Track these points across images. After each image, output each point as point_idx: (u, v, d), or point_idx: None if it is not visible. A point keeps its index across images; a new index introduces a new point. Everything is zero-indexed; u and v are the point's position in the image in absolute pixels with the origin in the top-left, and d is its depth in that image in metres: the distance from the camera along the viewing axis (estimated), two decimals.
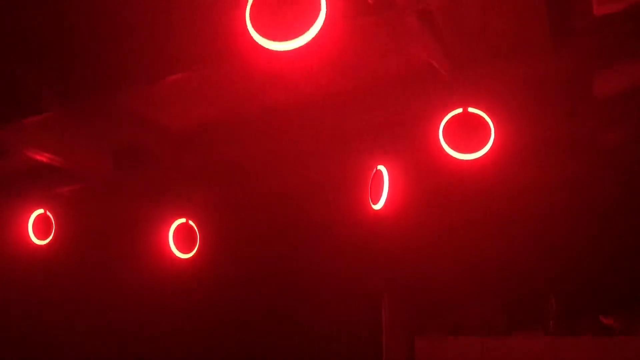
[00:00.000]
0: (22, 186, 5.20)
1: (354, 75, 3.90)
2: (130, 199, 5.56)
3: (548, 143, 4.82)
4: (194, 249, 5.49)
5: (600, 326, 5.15)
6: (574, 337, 5.18)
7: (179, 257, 5.45)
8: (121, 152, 4.83)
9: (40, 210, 5.11)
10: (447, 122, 3.56)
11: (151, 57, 3.37)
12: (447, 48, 3.52)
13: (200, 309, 6.51)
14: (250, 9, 2.33)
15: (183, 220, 5.45)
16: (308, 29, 2.26)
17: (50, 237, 5.13)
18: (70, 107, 3.75)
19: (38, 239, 5.10)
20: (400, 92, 3.92)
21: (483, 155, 3.55)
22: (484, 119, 3.54)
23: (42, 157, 4.45)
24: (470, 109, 3.56)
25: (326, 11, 2.27)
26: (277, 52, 2.38)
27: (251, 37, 2.37)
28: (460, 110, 3.57)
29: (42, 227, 5.12)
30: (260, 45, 2.37)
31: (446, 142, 3.55)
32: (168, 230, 5.38)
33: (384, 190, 4.09)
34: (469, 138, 3.53)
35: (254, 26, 2.32)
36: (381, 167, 4.15)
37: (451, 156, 3.58)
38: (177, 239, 5.39)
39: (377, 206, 4.13)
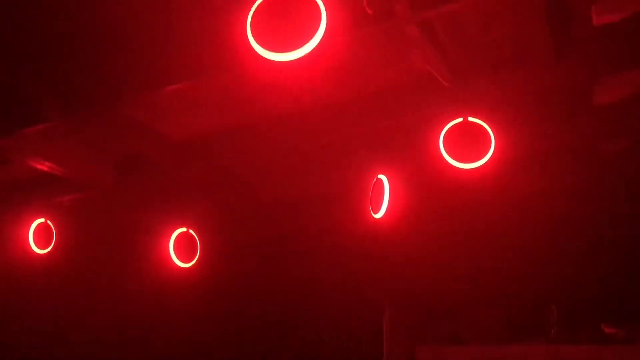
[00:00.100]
0: (22, 195, 5.20)
1: (354, 85, 3.92)
2: (131, 208, 5.57)
3: (548, 152, 4.82)
4: (194, 258, 5.49)
5: (602, 335, 5.12)
6: (575, 346, 5.16)
7: (179, 266, 5.44)
8: (122, 161, 4.84)
9: (41, 220, 5.11)
10: (447, 131, 3.57)
11: (152, 67, 3.39)
12: (448, 58, 3.54)
13: (201, 318, 6.50)
14: (251, 20, 2.34)
15: (184, 229, 5.45)
16: (309, 40, 2.27)
17: (51, 247, 5.13)
18: (72, 117, 3.77)
19: (39, 248, 5.10)
20: (400, 101, 3.93)
21: (483, 164, 3.55)
22: (484, 128, 3.55)
23: (43, 166, 4.46)
24: (471, 119, 3.57)
25: (326, 22, 2.28)
26: (278, 62, 2.39)
27: (252, 48, 2.38)
28: (460, 119, 3.57)
29: (42, 236, 5.12)
30: (261, 55, 2.38)
31: (447, 152, 3.55)
32: (169, 240, 5.38)
33: (384, 199, 4.10)
34: (469, 147, 3.54)
35: (254, 37, 2.33)
36: (382, 176, 4.15)
37: (452, 165, 3.58)
38: (178, 248, 5.39)
39: (378, 215, 4.13)
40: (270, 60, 2.38)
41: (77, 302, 6.64)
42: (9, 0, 2.93)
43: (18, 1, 2.94)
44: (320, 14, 2.28)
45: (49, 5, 2.98)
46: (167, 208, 5.42)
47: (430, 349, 5.67)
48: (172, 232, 5.40)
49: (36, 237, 5.09)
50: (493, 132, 3.54)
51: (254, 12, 2.37)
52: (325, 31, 2.29)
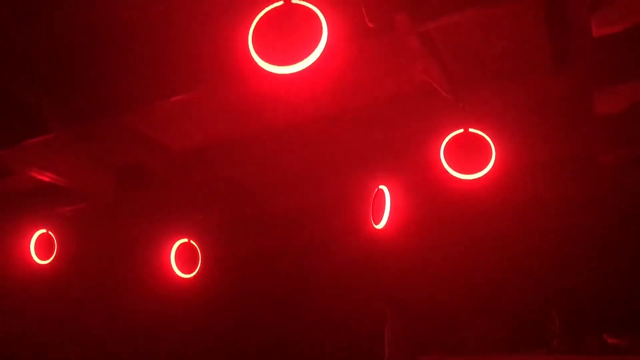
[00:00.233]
0: (24, 206, 5.21)
1: (355, 96, 3.93)
2: (132, 218, 5.57)
3: (549, 163, 4.83)
4: (195, 269, 5.48)
5: (604, 345, 5.11)
6: (577, 356, 5.14)
7: (180, 277, 5.43)
8: (123, 172, 4.84)
9: (43, 230, 5.11)
10: (448, 142, 3.57)
11: (154, 78, 3.40)
12: (448, 69, 3.55)
13: (202, 329, 6.48)
14: (253, 33, 2.35)
15: (185, 240, 5.44)
16: (310, 53, 2.28)
17: (52, 257, 5.12)
18: (73, 128, 3.77)
19: (40, 258, 5.09)
20: (401, 112, 3.94)
21: (484, 175, 3.55)
22: (485, 139, 3.55)
23: (45, 177, 4.47)
24: (471, 130, 3.57)
25: (328, 35, 2.29)
26: (279, 75, 2.40)
27: (253, 60, 2.39)
28: (461, 130, 3.58)
29: (44, 246, 5.12)
30: (262, 68, 2.39)
31: (447, 163, 3.55)
32: (170, 250, 5.38)
33: (385, 210, 4.09)
34: (470, 158, 3.54)
35: (256, 50, 2.34)
36: (383, 187, 4.15)
37: (452, 176, 3.58)
38: (179, 259, 5.38)
39: (379, 226, 4.12)
40: (271, 72, 2.39)
41: (78, 312, 6.63)
42: (11, 11, 2.94)
43: (20, 12, 2.96)
44: (321, 27, 2.29)
45: (50, 17, 3.00)
46: (169, 219, 5.42)
47: (432, 359, 5.65)
48: (174, 242, 5.40)
49: (37, 247, 5.09)
50: (494, 143, 3.54)
51: (256, 25, 2.38)
52: (326, 44, 2.30)
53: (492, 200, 4.57)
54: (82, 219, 5.53)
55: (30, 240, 5.07)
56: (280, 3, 2.37)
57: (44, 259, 5.10)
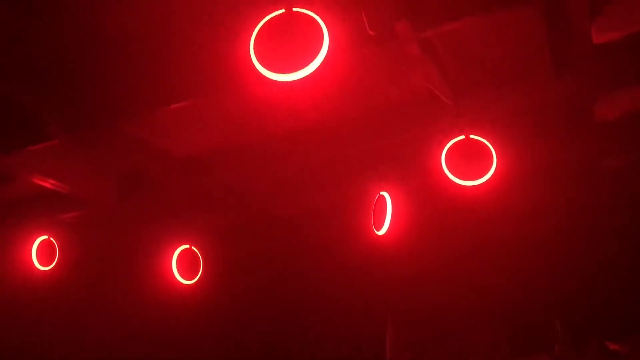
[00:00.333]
0: (26, 212, 5.21)
1: (356, 103, 3.94)
2: (134, 225, 5.57)
3: (550, 168, 4.83)
4: (197, 275, 5.48)
5: (606, 352, 5.10)
6: None
7: (182, 283, 5.43)
8: (125, 178, 4.85)
9: (44, 237, 5.11)
10: (449, 148, 3.58)
11: (156, 85, 3.41)
12: (449, 76, 3.56)
13: (204, 335, 6.47)
14: (255, 41, 2.36)
15: (186, 246, 5.44)
16: (311, 61, 2.29)
17: (54, 264, 5.12)
18: (75, 135, 3.78)
19: (41, 265, 5.09)
20: (402, 119, 3.96)
21: (485, 181, 3.56)
22: (486, 145, 3.56)
23: (47, 184, 4.47)
24: (472, 136, 3.58)
25: (329, 43, 2.30)
26: (280, 82, 2.41)
27: (254, 67, 2.40)
28: (462, 137, 3.58)
29: (45, 253, 5.12)
30: (263, 75, 2.40)
31: (448, 169, 3.56)
32: (171, 257, 5.37)
33: (387, 216, 4.10)
34: (471, 164, 3.54)
35: (258, 58, 2.35)
36: (384, 193, 4.16)
37: (454, 182, 3.59)
38: (181, 265, 5.38)
39: (381, 232, 4.12)
40: (273, 80, 2.40)
41: (79, 318, 6.62)
42: (13, 18, 2.95)
43: (22, 20, 2.97)
44: (322, 35, 2.30)
45: (53, 24, 3.01)
46: (170, 225, 5.42)
47: None
48: (175, 249, 5.40)
49: (39, 254, 5.09)
50: (495, 149, 3.54)
51: (258, 32, 2.39)
52: (327, 52, 2.31)
53: (493, 206, 4.57)
54: (83, 226, 5.53)
55: (32, 246, 5.07)
56: (282, 11, 2.38)
57: (46, 266, 5.10)
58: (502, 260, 5.54)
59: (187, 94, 3.41)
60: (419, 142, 4.03)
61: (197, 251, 5.49)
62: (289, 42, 2.32)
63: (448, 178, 3.58)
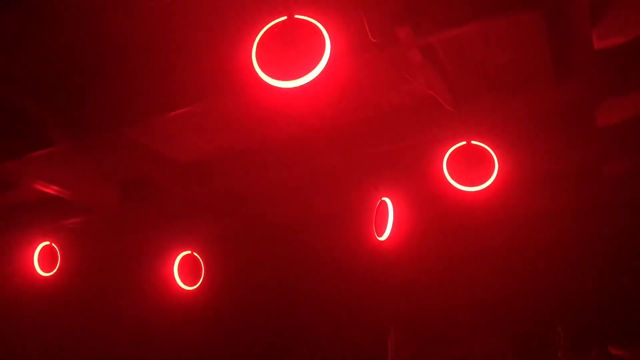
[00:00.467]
0: (28, 218, 5.22)
1: (357, 109, 3.95)
2: (136, 231, 5.58)
3: (551, 174, 4.83)
4: (198, 281, 5.48)
5: (608, 357, 5.08)
6: None
7: (183, 289, 5.43)
8: (128, 184, 4.86)
9: (46, 242, 5.12)
10: (450, 154, 3.58)
11: (159, 91, 3.42)
12: (450, 82, 3.57)
13: (206, 341, 6.46)
14: (257, 48, 2.37)
15: (188, 252, 5.44)
16: (313, 67, 2.29)
17: (56, 269, 5.13)
18: (78, 141, 3.79)
19: (43, 271, 5.09)
20: (403, 125, 3.96)
21: (487, 187, 3.55)
22: (487, 151, 3.55)
23: (50, 190, 4.48)
24: (474, 142, 3.58)
25: (331, 50, 2.31)
26: (282, 88, 2.42)
27: (257, 73, 2.41)
28: (463, 142, 3.58)
29: (47, 259, 5.12)
30: (266, 82, 2.41)
31: (450, 175, 3.56)
32: (173, 262, 5.38)
33: (388, 221, 4.09)
34: (473, 170, 3.54)
35: (260, 65, 2.36)
36: (386, 199, 4.16)
37: (455, 188, 3.58)
38: (182, 271, 5.38)
39: (382, 238, 4.12)
40: (275, 86, 2.41)
41: (81, 324, 6.63)
42: (16, 26, 2.97)
43: (25, 28, 2.99)
44: (324, 41, 2.31)
45: (55, 31, 3.02)
46: (172, 231, 5.43)
47: None
48: (177, 255, 5.40)
49: (41, 260, 5.09)
50: (496, 155, 3.54)
51: (260, 39, 2.40)
52: (329, 58, 2.32)
53: (494, 211, 4.57)
54: (85, 232, 5.54)
55: (34, 252, 5.07)
56: (284, 18, 2.38)
57: (47, 271, 5.10)
58: (504, 266, 5.53)
59: (190, 101, 3.42)
60: (420, 148, 4.04)
61: (198, 257, 5.49)
62: (291, 49, 2.33)
63: (449, 184, 3.58)
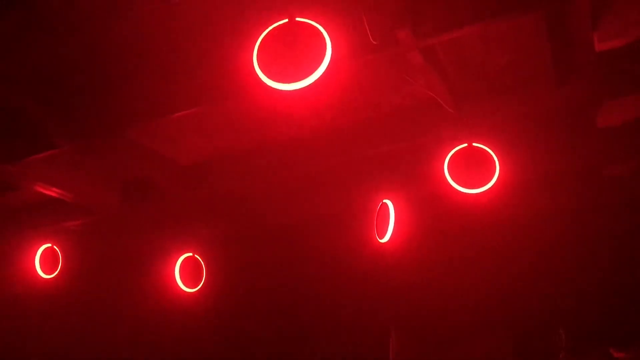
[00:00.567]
0: (30, 220, 5.22)
1: (358, 110, 3.95)
2: (137, 232, 5.58)
3: (552, 175, 4.83)
4: (200, 283, 5.48)
5: (610, 359, 5.08)
6: None
7: (185, 291, 5.43)
8: (129, 186, 4.86)
9: (48, 245, 5.12)
10: (452, 156, 3.58)
11: (159, 93, 3.43)
12: (451, 83, 3.57)
13: (207, 342, 6.46)
14: (258, 51, 2.37)
15: (189, 254, 5.44)
16: (314, 70, 2.30)
17: (57, 271, 5.13)
18: (79, 143, 3.80)
19: (45, 273, 5.10)
20: (405, 127, 3.96)
21: (488, 189, 3.55)
22: (488, 153, 3.56)
23: (51, 192, 4.49)
24: (475, 144, 3.58)
25: (332, 52, 2.31)
26: (283, 90, 2.42)
27: (258, 76, 2.41)
28: (465, 144, 3.58)
29: (49, 261, 5.13)
30: (267, 84, 2.42)
31: (451, 177, 3.56)
32: (174, 264, 5.38)
33: (390, 223, 4.09)
34: (474, 172, 3.54)
35: (261, 68, 2.36)
36: (387, 201, 4.16)
37: (456, 190, 3.58)
38: (184, 273, 5.38)
39: (383, 240, 4.12)
40: (276, 89, 2.41)
41: (82, 326, 6.62)
42: (17, 28, 2.97)
43: (26, 29, 2.99)
44: (325, 44, 2.31)
45: (57, 34, 3.03)
46: (173, 233, 5.43)
47: None
48: (178, 257, 5.40)
49: (42, 262, 5.09)
50: (497, 157, 3.54)
51: (261, 42, 2.40)
52: (330, 61, 2.32)
53: (496, 213, 4.57)
54: (87, 233, 5.54)
55: (36, 254, 5.08)
56: (285, 21, 2.39)
57: (49, 274, 5.11)
58: (506, 268, 5.52)
59: (191, 103, 3.43)
60: (421, 150, 4.04)
61: (200, 259, 5.49)
62: (291, 52, 2.33)
63: (451, 186, 3.58)
